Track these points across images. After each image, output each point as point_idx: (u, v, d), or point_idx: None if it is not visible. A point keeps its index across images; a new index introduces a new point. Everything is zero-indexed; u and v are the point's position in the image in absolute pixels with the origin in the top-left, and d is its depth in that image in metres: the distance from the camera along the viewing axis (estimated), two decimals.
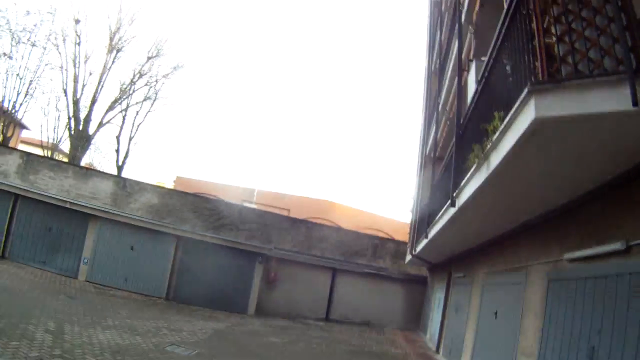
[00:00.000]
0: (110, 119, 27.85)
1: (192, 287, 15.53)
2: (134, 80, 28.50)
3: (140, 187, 18.16)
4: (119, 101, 28.00)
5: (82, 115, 26.32)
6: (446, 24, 13.17)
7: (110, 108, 27.62)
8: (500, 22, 4.31)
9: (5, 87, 23.95)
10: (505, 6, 4.24)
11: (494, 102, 4.49)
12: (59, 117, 26.49)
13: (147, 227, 15.69)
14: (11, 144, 24.04)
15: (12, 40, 23.47)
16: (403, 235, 21.75)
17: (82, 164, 25.98)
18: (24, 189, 15.90)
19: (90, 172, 19.34)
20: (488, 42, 4.98)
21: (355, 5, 76.45)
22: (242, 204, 23.53)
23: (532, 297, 5.91)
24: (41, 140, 25.65)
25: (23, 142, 29.83)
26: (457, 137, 7.01)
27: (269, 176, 68.89)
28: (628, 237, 3.78)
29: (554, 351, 4.88)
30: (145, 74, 28.93)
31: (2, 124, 23.95)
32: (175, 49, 45.93)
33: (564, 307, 4.84)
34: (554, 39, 3.24)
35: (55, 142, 26.15)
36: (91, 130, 26.87)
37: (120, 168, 27.72)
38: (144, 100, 29.12)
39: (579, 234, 4.78)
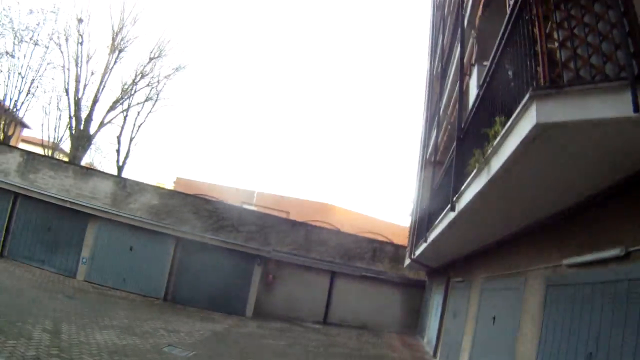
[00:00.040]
0: (112, 119, 27.94)
1: (191, 288, 15.52)
2: (136, 80, 28.61)
3: (140, 187, 18.15)
4: (121, 101, 28.08)
5: (83, 115, 26.36)
6: (448, 28, 13.19)
7: (112, 108, 27.68)
8: (503, 26, 4.32)
9: (7, 85, 24.00)
10: (508, 11, 4.24)
11: (495, 107, 4.49)
12: (60, 116, 26.49)
13: (146, 227, 15.68)
14: (12, 143, 24.07)
15: (14, 38, 23.56)
16: (402, 239, 21.76)
17: (83, 163, 25.98)
18: (24, 188, 15.90)
19: (91, 171, 19.34)
20: (490, 47, 4.99)
21: (357, 8, 76.62)
22: (241, 206, 23.54)
23: (531, 302, 5.89)
24: (42, 140, 25.67)
25: (24, 140, 29.87)
26: (457, 141, 7.00)
27: (269, 178, 69.01)
28: (627, 244, 3.77)
29: (551, 357, 4.86)
30: (147, 74, 29.05)
31: (3, 122, 23.96)
32: (177, 50, 46.10)
33: (562, 313, 4.83)
34: (556, 44, 3.24)
35: (56, 141, 26.16)
36: (92, 130, 26.94)
37: (120, 168, 27.76)
38: (146, 100, 29.25)
39: (579, 239, 4.77)
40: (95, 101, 26.70)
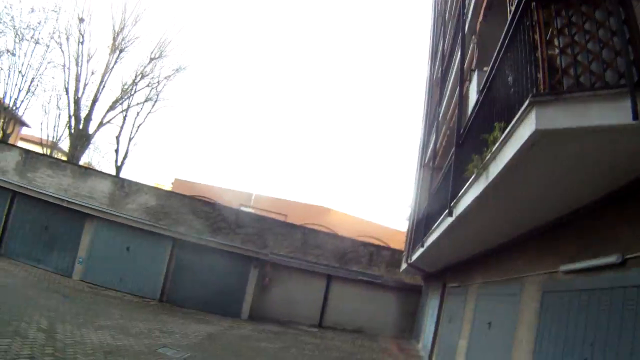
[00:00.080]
0: (111, 119, 27.91)
1: (187, 290, 15.49)
2: (136, 80, 28.62)
3: (138, 188, 18.13)
4: (120, 101, 28.06)
5: (83, 115, 26.33)
6: (449, 34, 13.21)
7: (111, 108, 27.65)
8: (504, 32, 4.33)
9: (7, 83, 23.96)
10: (509, 17, 4.26)
11: (495, 112, 4.50)
12: (59, 115, 26.45)
13: (143, 228, 15.66)
14: (11, 141, 24.05)
15: (15, 37, 23.53)
16: (399, 244, 21.77)
17: (81, 163, 25.93)
18: (22, 186, 15.88)
19: (89, 171, 19.32)
20: (491, 52, 4.99)
21: (357, 11, 76.84)
22: (239, 208, 23.50)
23: (527, 308, 5.89)
24: (41, 138, 25.62)
25: (23, 139, 29.84)
26: (456, 146, 7.01)
27: (266, 181, 69.04)
28: (624, 251, 3.78)
29: None
30: (147, 75, 29.05)
31: (2, 120, 23.90)
32: (178, 51, 46.06)
33: (557, 319, 4.82)
34: (557, 50, 3.25)
35: (54, 140, 26.12)
36: (91, 130, 26.90)
37: (119, 168, 27.71)
38: (145, 101, 29.25)
39: (576, 246, 4.77)
40: (95, 101, 26.70)
